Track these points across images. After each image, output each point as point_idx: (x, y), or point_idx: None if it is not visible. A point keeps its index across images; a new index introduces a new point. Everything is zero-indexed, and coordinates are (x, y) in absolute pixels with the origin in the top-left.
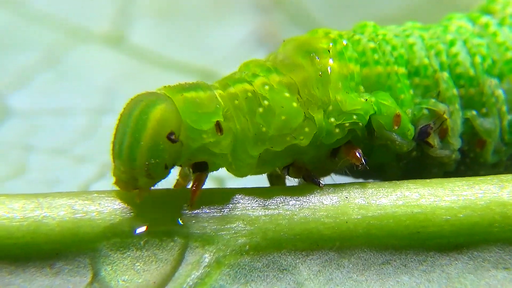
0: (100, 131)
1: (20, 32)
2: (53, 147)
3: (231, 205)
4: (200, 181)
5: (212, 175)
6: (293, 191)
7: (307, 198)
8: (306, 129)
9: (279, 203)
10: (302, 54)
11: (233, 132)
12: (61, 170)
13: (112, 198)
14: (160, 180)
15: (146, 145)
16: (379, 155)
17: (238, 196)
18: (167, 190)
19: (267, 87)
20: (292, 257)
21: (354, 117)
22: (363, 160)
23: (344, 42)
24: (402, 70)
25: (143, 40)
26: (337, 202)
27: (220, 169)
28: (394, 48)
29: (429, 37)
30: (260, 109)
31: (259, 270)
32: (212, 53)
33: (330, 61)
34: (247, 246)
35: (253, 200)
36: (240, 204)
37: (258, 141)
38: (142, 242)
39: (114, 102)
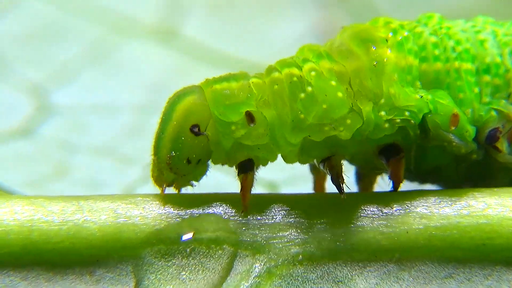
0: (147, 130)
1: (66, 25)
2: (97, 146)
3: (284, 212)
4: (246, 183)
5: (265, 180)
6: (350, 199)
7: (365, 205)
8: (348, 121)
9: (336, 210)
10: (357, 42)
11: (267, 121)
12: (105, 172)
13: (157, 202)
14: (193, 179)
15: (168, 137)
16: (435, 156)
17: (292, 202)
18: (215, 194)
19: (313, 73)
20: (348, 268)
21: (407, 113)
22: (401, 182)
23: (406, 33)
24: (467, 65)
25: (195, 34)
26: (398, 211)
27: (273, 174)
28: (457, 42)
29: (503, 34)
30: (302, 95)
31: (312, 281)
32: (268, 48)
33: (387, 51)
34: (301, 256)
35: (308, 206)
36: (294, 211)
37: (295, 128)
38: (188, 250)
39: (163, 100)
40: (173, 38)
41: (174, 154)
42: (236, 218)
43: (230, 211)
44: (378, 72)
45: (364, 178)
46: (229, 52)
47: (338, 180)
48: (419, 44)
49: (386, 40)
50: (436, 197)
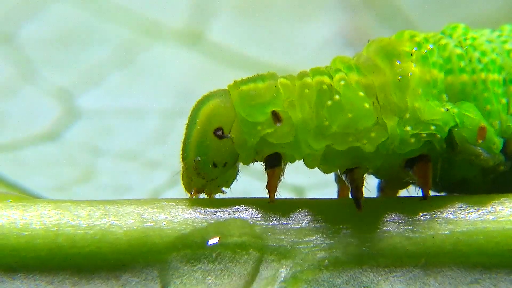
0: (174, 134)
1: (93, 28)
2: (123, 151)
3: (310, 217)
4: (273, 176)
5: (291, 185)
6: (376, 204)
7: (391, 211)
8: (373, 134)
9: (362, 215)
10: (382, 56)
11: (293, 122)
12: (131, 176)
13: (183, 206)
14: (223, 183)
15: (194, 141)
16: (462, 169)
17: (318, 207)
18: (241, 199)
19: (343, 83)
20: (374, 273)
21: (432, 127)
22: (429, 188)
23: (430, 47)
24: (493, 76)
25: (222, 38)
26: (424, 216)
27: (300, 178)
28: (483, 53)
29: None
30: (329, 102)
31: (338, 287)
32: (295, 53)
33: (412, 66)
34: (327, 261)
35: (334, 211)
36: (320, 216)
37: (318, 134)
38: (214, 255)
39: (189, 104)
40: (199, 41)
41: (200, 158)
42: (262, 223)
43: (256, 216)
44: (403, 87)
45: (387, 190)
46: (256, 56)
47: (357, 194)
48: (444, 56)
49: (411, 55)
50: (462, 203)
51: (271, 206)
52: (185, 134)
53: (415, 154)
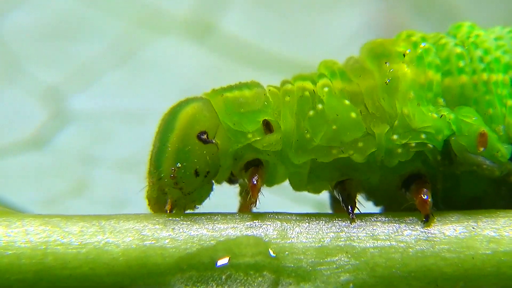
0: None
1: (86, 19)
2: (121, 159)
3: (333, 234)
4: (256, 174)
5: (312, 198)
6: (408, 219)
7: (425, 228)
8: (360, 144)
9: (391, 232)
10: (371, 58)
11: (282, 131)
12: (130, 188)
13: (188, 222)
14: (198, 198)
15: (173, 147)
16: (469, 186)
17: (341, 223)
18: (255, 214)
19: (326, 89)
20: None
21: (423, 136)
22: (429, 210)
23: (424, 45)
24: (497, 77)
25: (235, 29)
26: (462, 234)
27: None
28: (486, 52)
29: None
30: (311, 112)
31: None
32: (319, 47)
33: (403, 67)
34: (351, 284)
35: (360, 228)
36: (344, 233)
37: (299, 149)
38: (224, 277)
39: None
40: (210, 34)
41: (180, 165)
42: (278, 241)
43: (271, 233)
44: (391, 90)
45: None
46: (275, 51)
47: (347, 202)
48: (442, 56)
49: (403, 55)
50: (507, 218)
51: (288, 221)
52: (159, 141)
53: (407, 169)
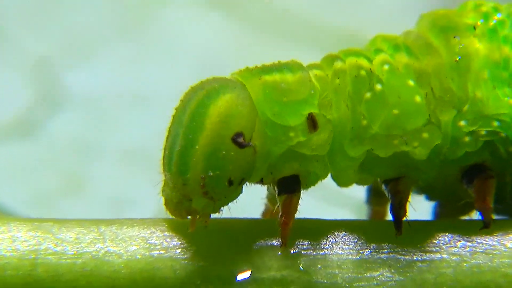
0: None
1: None
2: (124, 150)
3: (374, 245)
4: (290, 206)
5: (351, 201)
6: (463, 228)
7: (482, 238)
8: (425, 135)
9: (443, 244)
10: (436, 32)
11: (331, 127)
12: (134, 185)
13: (203, 228)
14: (227, 203)
15: (203, 151)
16: None
17: (384, 232)
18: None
19: (386, 67)
20: None
21: (495, 123)
22: (490, 216)
23: (499, 16)
24: None
25: None
26: None
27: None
28: None
29: None
30: (368, 94)
31: None
32: (366, 15)
33: (475, 42)
34: None
35: (406, 238)
36: (387, 244)
37: (355, 138)
38: None
39: None
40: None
41: (212, 174)
42: (309, 252)
43: (301, 243)
44: (462, 70)
45: (443, 217)
46: (313, 19)
47: (399, 211)
48: None
49: (474, 28)
50: None
51: (320, 230)
52: (184, 139)
53: (470, 161)
